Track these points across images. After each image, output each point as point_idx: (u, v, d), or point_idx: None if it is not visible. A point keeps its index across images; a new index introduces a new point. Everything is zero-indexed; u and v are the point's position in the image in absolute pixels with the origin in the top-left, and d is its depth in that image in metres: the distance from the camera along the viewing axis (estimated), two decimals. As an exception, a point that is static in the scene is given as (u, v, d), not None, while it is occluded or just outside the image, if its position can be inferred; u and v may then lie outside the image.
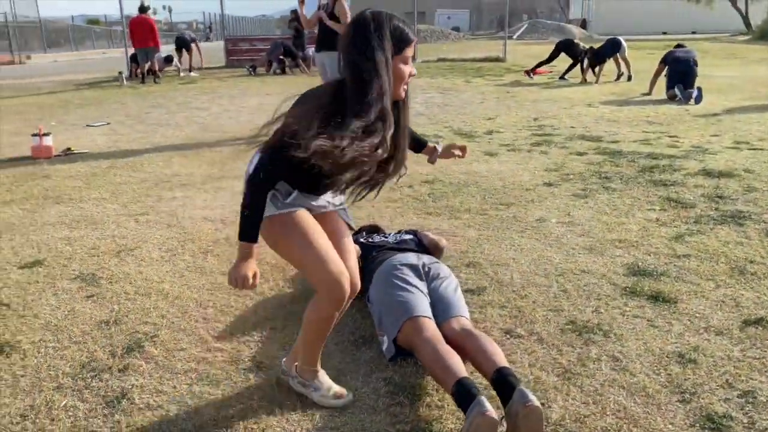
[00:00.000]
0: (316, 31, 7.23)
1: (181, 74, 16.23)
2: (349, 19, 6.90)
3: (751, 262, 3.26)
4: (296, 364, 2.19)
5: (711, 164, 5.32)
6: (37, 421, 2.05)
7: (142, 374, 2.32)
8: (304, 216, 1.99)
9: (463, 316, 2.38)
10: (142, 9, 14.42)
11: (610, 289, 2.98)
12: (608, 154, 5.83)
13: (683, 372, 2.28)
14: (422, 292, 2.46)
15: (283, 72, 16.27)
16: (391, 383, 2.25)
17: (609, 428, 1.99)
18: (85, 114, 9.56)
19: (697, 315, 2.71)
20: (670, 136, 6.66)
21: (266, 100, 10.61)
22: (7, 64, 25.24)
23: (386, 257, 2.71)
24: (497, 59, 18.75)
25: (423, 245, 3.03)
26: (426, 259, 2.73)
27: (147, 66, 14.41)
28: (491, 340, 2.18)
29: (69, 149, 6.44)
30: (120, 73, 14.79)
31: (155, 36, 14.25)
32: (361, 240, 3.05)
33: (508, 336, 2.57)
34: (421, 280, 2.55)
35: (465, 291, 2.98)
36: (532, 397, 1.84)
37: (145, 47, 14.19)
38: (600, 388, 2.19)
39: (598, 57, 12.00)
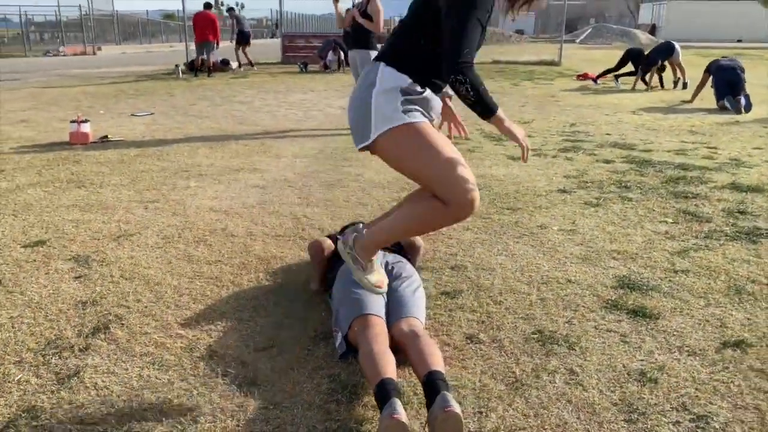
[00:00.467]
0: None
1: (242, 68, 16.64)
2: (382, 18, 6.91)
3: (753, 281, 3.08)
4: (355, 235, 2.22)
5: (742, 178, 5.06)
6: (-10, 391, 2.15)
7: (100, 355, 2.40)
8: (430, 126, 2.10)
9: (415, 317, 2.35)
10: (207, 5, 14.85)
11: (591, 301, 2.87)
12: (636, 163, 5.63)
13: (639, 391, 2.18)
14: None
15: (339, 68, 16.44)
16: (335, 381, 2.24)
17: (541, 443, 1.92)
18: (134, 104, 9.93)
19: (675, 333, 2.58)
20: (709, 147, 6.37)
21: (308, 97, 10.75)
22: (79, 55, 26.54)
23: None
24: (551, 63, 18.37)
25: (399, 244, 3.00)
26: (391, 257, 2.71)
27: (202, 60, 14.85)
28: (432, 343, 2.15)
29: (106, 137, 6.70)
30: (176, 66, 15.30)
31: (215, 31, 14.67)
32: (337, 237, 3.05)
33: (469, 341, 2.52)
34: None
35: (440, 293, 2.95)
36: (453, 402, 1.80)
37: (204, 41, 14.63)
38: (546, 401, 2.12)
39: (648, 61, 11.58)
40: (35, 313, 2.73)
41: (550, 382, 2.24)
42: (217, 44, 14.83)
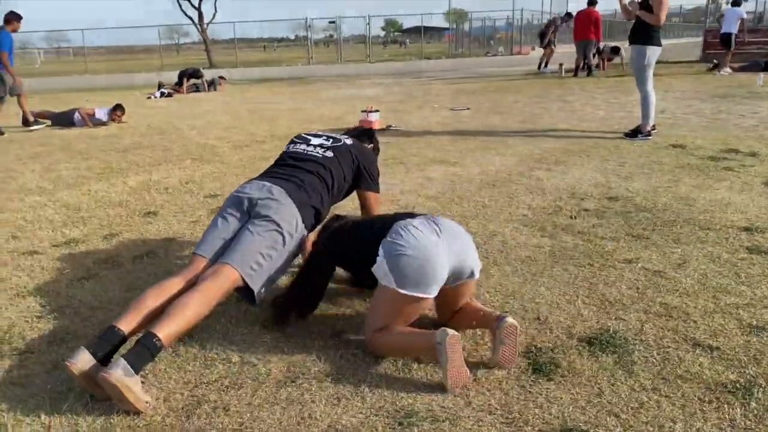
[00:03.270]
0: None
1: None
2: (665, 10, 6.01)
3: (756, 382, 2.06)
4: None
5: None
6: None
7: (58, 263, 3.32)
8: None
9: (229, 264, 2.34)
10: (591, 2, 14.74)
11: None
12: None
13: (388, 423, 1.93)
14: (227, 227, 2.50)
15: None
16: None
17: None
18: (473, 100, 10.81)
19: (542, 397, 2.05)
20: None
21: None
22: (514, 55, 29.01)
23: (256, 178, 2.74)
24: None
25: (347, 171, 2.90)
26: (268, 192, 2.58)
27: (583, 60, 14.80)
28: (187, 304, 2.17)
29: (390, 126, 7.75)
30: (560, 64, 15.65)
31: (597, 29, 14.46)
32: (295, 140, 3.07)
33: (319, 336, 2.49)
34: (243, 214, 2.54)
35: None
36: (112, 370, 1.91)
37: (584, 39, 14.58)
38: (276, 394, 2.09)
39: None
40: (71, 250, 3.67)
41: (314, 387, 2.15)
42: (597, 41, 14.56)
